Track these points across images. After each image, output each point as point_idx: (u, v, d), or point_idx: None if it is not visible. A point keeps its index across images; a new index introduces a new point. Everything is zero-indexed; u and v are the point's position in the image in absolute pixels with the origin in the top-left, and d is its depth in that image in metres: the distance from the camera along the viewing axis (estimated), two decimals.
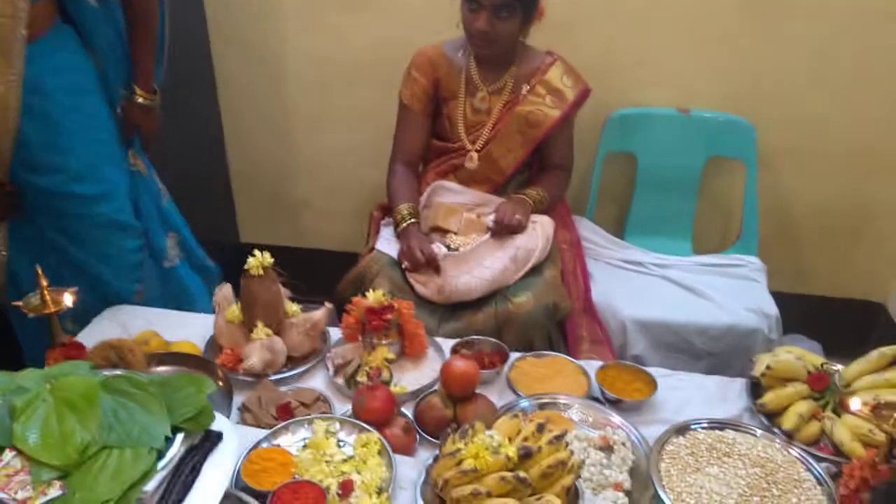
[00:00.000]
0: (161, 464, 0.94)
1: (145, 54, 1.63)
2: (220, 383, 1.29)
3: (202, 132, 2.34)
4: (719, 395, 1.48)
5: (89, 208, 1.56)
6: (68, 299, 1.23)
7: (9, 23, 1.34)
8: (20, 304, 1.25)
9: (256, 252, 1.40)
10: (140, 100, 1.64)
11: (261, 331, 1.37)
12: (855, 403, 1.19)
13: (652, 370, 1.50)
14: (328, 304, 1.49)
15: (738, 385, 1.51)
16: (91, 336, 1.44)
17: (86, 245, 1.60)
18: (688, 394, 1.48)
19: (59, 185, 1.52)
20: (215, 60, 2.31)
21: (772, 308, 1.86)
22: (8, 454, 0.93)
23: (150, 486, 0.92)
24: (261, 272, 1.38)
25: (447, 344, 1.48)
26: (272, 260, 1.41)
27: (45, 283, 1.23)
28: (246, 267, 1.39)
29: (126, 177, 1.66)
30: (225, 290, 1.48)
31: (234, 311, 1.43)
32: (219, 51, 2.30)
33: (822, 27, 1.97)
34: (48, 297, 1.22)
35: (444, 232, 1.81)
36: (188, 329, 1.50)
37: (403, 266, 1.71)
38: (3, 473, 0.90)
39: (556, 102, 1.82)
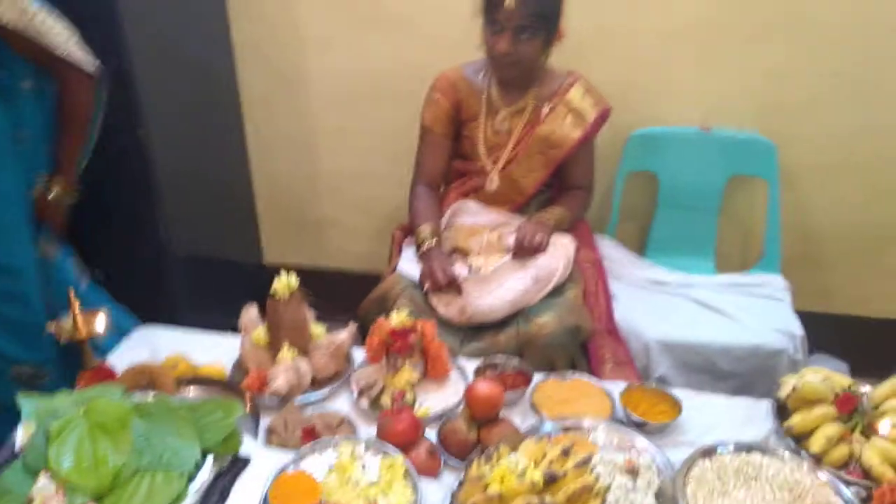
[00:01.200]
0: (192, 488, 0.96)
1: (71, 147, 1.60)
2: (248, 408, 1.31)
3: (227, 153, 2.38)
4: (745, 418, 1.47)
5: None
6: (101, 324, 1.25)
7: None
8: (52, 327, 1.28)
9: (283, 274, 1.42)
10: (53, 194, 1.60)
11: (287, 353, 1.39)
12: (884, 426, 1.18)
13: (677, 392, 1.49)
14: (352, 325, 1.50)
15: (763, 407, 1.49)
16: (121, 357, 1.46)
17: None
18: (713, 416, 1.47)
19: None
20: (240, 79, 2.35)
21: (797, 328, 1.84)
22: (43, 477, 0.95)
23: None
24: (287, 295, 1.40)
25: (470, 365, 1.49)
26: (298, 282, 1.42)
27: (77, 304, 1.26)
28: (273, 289, 1.41)
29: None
30: (251, 313, 1.50)
31: (260, 333, 1.44)
32: (244, 70, 2.34)
33: (845, 42, 1.96)
34: (80, 321, 1.25)
35: (465, 253, 1.82)
36: (215, 351, 1.52)
37: (425, 287, 1.72)
38: (39, 497, 0.92)
39: (576, 122, 1.83)
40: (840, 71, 2.00)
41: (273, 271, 1.44)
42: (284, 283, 1.40)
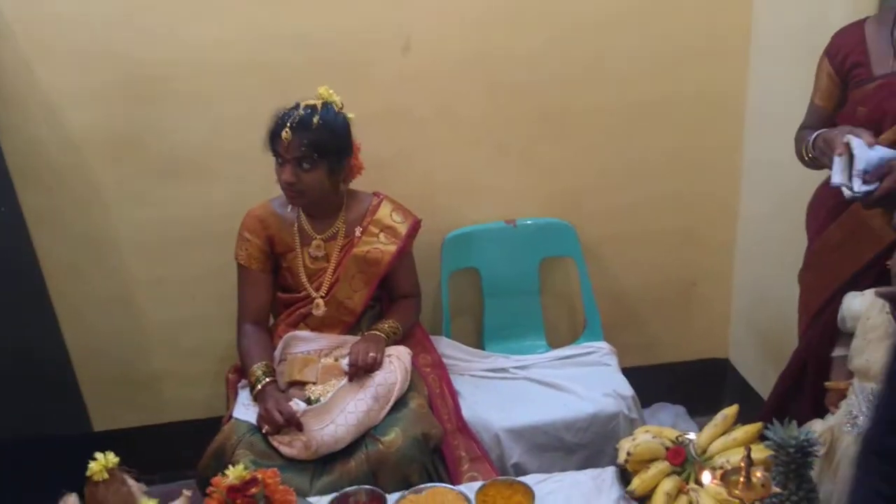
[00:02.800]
0: None
1: None
2: None
3: (30, 327, 2.19)
4: (594, 489, 1.54)
5: None
6: None
7: None
8: None
9: (98, 455, 1.31)
10: None
11: None
12: (706, 477, 1.27)
13: (528, 479, 1.53)
14: (186, 492, 1.40)
15: (609, 474, 1.57)
16: None
17: None
18: (565, 494, 1.52)
19: None
20: (38, 250, 2.20)
21: (626, 389, 1.97)
22: None
23: None
24: (106, 476, 1.29)
25: (322, 503, 1.44)
26: (117, 459, 1.32)
27: None
28: (88, 473, 1.29)
29: None
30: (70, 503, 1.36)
31: None
32: (42, 240, 2.19)
33: (611, 126, 2.22)
34: None
35: (302, 384, 1.78)
36: None
37: (264, 431, 1.66)
38: None
39: (390, 238, 1.90)
40: (609, 151, 2.25)
41: (104, 439, 1.33)
42: (101, 462, 1.29)
